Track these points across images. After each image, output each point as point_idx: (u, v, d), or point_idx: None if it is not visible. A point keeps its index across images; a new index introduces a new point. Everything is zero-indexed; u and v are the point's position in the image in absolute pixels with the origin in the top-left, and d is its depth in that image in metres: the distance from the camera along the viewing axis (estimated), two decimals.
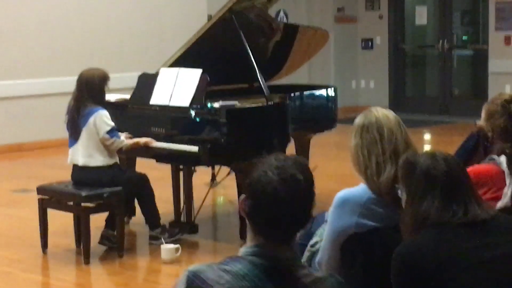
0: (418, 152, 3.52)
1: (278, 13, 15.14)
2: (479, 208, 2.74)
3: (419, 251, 2.68)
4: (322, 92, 7.69)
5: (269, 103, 6.61)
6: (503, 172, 3.75)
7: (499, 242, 2.72)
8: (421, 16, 15.00)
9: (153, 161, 6.84)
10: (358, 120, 3.55)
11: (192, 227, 6.79)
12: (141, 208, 6.78)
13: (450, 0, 14.62)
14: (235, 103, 6.49)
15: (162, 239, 6.32)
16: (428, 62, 15.60)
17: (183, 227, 6.75)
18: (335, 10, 15.20)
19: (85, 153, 6.29)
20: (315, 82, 15.24)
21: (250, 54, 6.79)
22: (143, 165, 7.20)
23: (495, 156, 3.82)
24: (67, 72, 10.00)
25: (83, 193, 6.10)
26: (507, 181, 3.74)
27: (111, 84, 6.48)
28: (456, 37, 14.79)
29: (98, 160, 6.28)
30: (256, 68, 6.75)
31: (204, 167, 6.89)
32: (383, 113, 3.53)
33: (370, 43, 15.31)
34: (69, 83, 6.94)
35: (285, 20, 15.13)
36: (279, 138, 6.55)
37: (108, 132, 6.25)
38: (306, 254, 3.80)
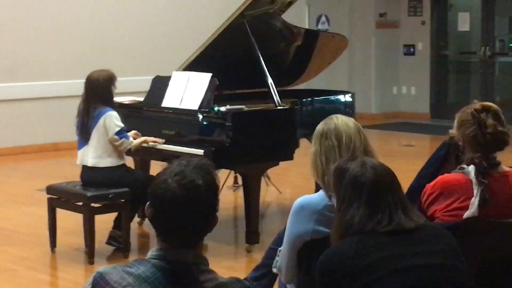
0: (377, 159, 3.53)
1: (319, 17, 15.15)
2: (406, 217, 2.73)
3: (338, 259, 2.68)
4: (338, 97, 7.68)
5: (278, 107, 6.62)
6: (471, 181, 3.71)
7: (420, 252, 2.70)
8: (464, 22, 14.84)
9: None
10: (318, 127, 3.57)
11: None
12: None
13: (494, 7, 14.45)
14: (243, 107, 6.51)
15: None
16: (470, 68, 15.43)
17: None
18: (377, 15, 15.13)
19: (95, 154, 6.37)
20: (355, 88, 15.20)
21: (261, 58, 6.80)
22: (157, 168, 7.27)
23: (464, 166, 3.78)
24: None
25: (89, 194, 6.19)
26: (475, 191, 3.69)
27: (125, 87, 6.57)
28: (499, 43, 14.61)
29: (107, 161, 6.37)
30: (266, 73, 6.77)
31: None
32: (342, 120, 3.53)
33: (412, 49, 15.20)
34: None
35: (327, 25, 15.15)
36: (287, 142, 6.56)
37: (117, 133, 6.33)
38: (276, 258, 3.81)
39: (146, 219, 6.97)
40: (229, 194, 8.55)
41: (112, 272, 2.34)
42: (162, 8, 12.38)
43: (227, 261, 6.35)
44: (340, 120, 3.53)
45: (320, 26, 15.15)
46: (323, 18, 15.20)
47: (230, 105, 6.64)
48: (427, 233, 2.77)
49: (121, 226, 6.43)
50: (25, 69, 11.24)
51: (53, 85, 11.34)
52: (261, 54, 7.24)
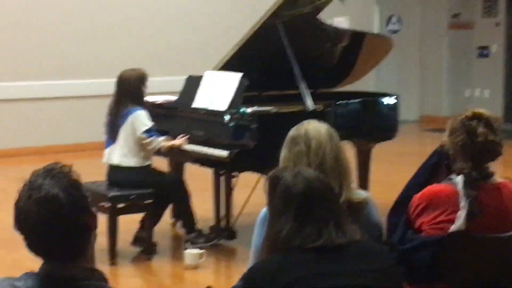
0: (348, 169, 3.34)
1: (390, 18, 14.85)
2: (338, 232, 2.53)
3: (260, 276, 2.50)
4: (381, 100, 7.44)
5: (309, 109, 6.44)
6: (459, 193, 3.48)
7: (346, 271, 2.50)
8: None
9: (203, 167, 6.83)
10: (290, 132, 3.41)
11: (230, 233, 6.69)
12: (176, 211, 6.79)
13: None
14: (270, 108, 6.36)
15: (188, 244, 6.26)
16: None
17: (221, 233, 6.67)
18: (449, 16, 14.72)
19: (121, 153, 6.33)
20: (426, 90, 14.88)
21: (294, 59, 6.63)
22: (192, 171, 7.24)
23: (453, 176, 3.55)
24: None
25: (111, 194, 6.13)
26: (461, 203, 3.46)
27: (157, 87, 6.50)
28: None
29: (132, 161, 6.31)
30: (298, 74, 6.60)
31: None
32: (314, 126, 3.36)
33: (485, 51, 14.74)
34: None
35: (398, 26, 14.84)
36: None
37: (146, 132, 6.26)
38: None
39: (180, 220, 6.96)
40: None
41: (0, 285, 2.22)
42: (196, 8, 12.32)
43: None
44: (311, 126, 3.36)
45: (390, 27, 14.86)
46: (394, 19, 14.89)
47: (261, 106, 6.49)
48: (359, 250, 2.56)
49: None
50: (72, 68, 11.35)
51: (90, 84, 11.46)
52: (303, 55, 7.10)
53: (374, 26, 14.33)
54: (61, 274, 2.20)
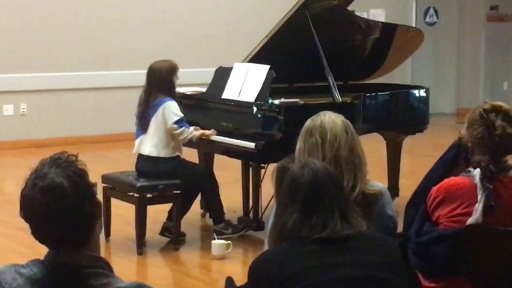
0: (364, 160, 3.34)
1: (427, 10, 14.75)
2: (344, 224, 2.54)
3: (265, 266, 2.52)
4: (412, 93, 7.42)
5: (336, 101, 6.44)
6: (476, 186, 3.46)
7: (350, 262, 2.50)
8: None
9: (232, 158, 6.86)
10: (306, 123, 3.41)
11: (258, 224, 6.71)
12: (205, 202, 6.83)
13: None
14: (297, 100, 6.36)
15: (214, 235, 6.30)
16: None
17: (249, 223, 6.70)
18: (488, 8, 14.58)
19: (151, 143, 6.38)
20: (463, 83, 14.76)
21: (322, 52, 6.63)
22: (222, 162, 7.27)
23: (471, 169, 3.53)
24: None
25: (139, 184, 6.18)
26: (479, 196, 3.44)
27: (187, 79, 6.55)
28: None
29: (162, 151, 6.35)
30: (326, 66, 6.59)
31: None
32: (330, 118, 3.36)
33: None
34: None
35: (435, 18, 14.74)
36: None
37: (177, 122, 6.30)
38: None
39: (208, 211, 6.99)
40: None
41: (6, 272, 2.27)
42: (227, 1, 12.34)
43: None
44: (327, 117, 3.35)
45: (428, 19, 14.74)
46: (431, 11, 14.78)
47: (290, 98, 6.49)
48: (364, 242, 2.56)
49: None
50: (106, 59, 11.49)
51: (123, 75, 11.55)
52: (334, 48, 7.10)
53: (411, 18, 14.22)
54: (66, 262, 2.23)
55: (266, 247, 3.29)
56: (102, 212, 6.16)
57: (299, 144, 3.36)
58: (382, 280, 2.52)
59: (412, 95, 7.38)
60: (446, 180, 3.58)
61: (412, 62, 13.61)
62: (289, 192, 2.60)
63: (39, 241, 2.25)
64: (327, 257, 2.50)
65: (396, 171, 7.53)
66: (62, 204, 2.18)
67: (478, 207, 3.44)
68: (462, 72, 14.89)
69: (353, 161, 3.28)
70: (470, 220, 3.45)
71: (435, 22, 14.79)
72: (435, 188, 3.58)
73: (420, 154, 10.45)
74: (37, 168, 2.24)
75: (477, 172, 3.49)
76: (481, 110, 3.55)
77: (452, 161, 3.75)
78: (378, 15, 13.08)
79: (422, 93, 7.41)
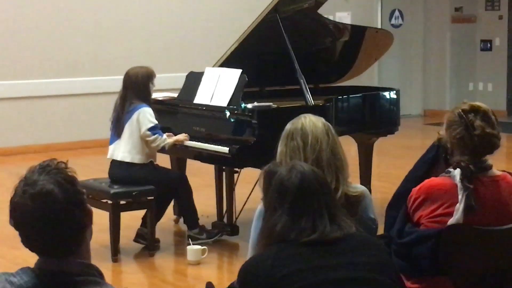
0: (345, 162, 3.35)
1: (393, 12, 14.84)
2: (333, 226, 2.54)
3: (256, 269, 2.51)
4: (382, 94, 7.44)
5: (309, 104, 6.45)
6: (457, 186, 3.48)
7: (341, 264, 2.51)
8: None
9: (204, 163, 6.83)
10: (286, 126, 3.40)
11: (233, 229, 6.70)
12: (179, 207, 6.81)
13: None
14: (270, 104, 6.36)
15: (190, 240, 6.27)
16: None
17: (223, 228, 6.68)
18: (452, 9, 14.70)
19: (125, 149, 6.34)
20: (429, 84, 14.86)
21: (293, 55, 6.63)
22: (194, 167, 7.24)
23: (451, 169, 3.55)
24: None
25: (112, 191, 6.14)
26: (459, 197, 3.46)
27: (157, 84, 6.52)
28: None
29: (136, 157, 6.32)
30: (298, 69, 6.60)
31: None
32: (311, 121, 3.36)
33: (489, 45, 14.72)
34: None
35: (400, 20, 14.83)
36: None
37: (150, 129, 6.27)
38: None
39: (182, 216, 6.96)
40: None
41: None
42: (197, 6, 12.31)
43: None
44: (308, 120, 3.35)
45: (393, 21, 14.84)
46: (397, 13, 14.87)
47: (262, 102, 6.49)
48: (354, 243, 2.57)
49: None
50: (74, 66, 11.40)
51: (91, 81, 11.47)
52: (304, 51, 7.11)
53: (377, 21, 14.31)
54: (57, 269, 2.20)
55: (249, 252, 3.29)
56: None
57: (280, 148, 3.35)
58: (374, 281, 2.52)
59: (383, 97, 7.41)
60: (426, 181, 3.59)
61: (379, 64, 13.67)
62: (277, 195, 2.60)
63: (30, 249, 2.23)
64: (318, 260, 2.50)
65: (368, 173, 7.55)
66: (52, 210, 2.15)
67: (459, 207, 3.46)
68: (428, 73, 15.00)
69: (335, 164, 3.29)
70: (451, 221, 3.47)
71: (400, 24, 14.88)
72: (415, 189, 3.59)
73: (389, 155, 10.53)
74: (27, 175, 2.21)
75: (457, 172, 3.50)
76: (460, 110, 3.57)
77: (432, 161, 3.76)
78: (344, 18, 13.11)
79: (393, 95, 7.43)
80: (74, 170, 2.27)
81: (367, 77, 11.63)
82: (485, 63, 14.79)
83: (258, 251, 2.66)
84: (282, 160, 3.29)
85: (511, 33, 14.51)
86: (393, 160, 10.29)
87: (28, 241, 2.21)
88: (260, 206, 3.30)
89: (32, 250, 2.22)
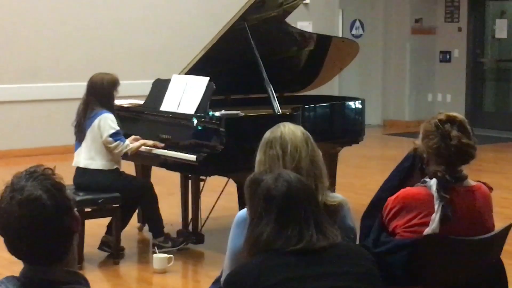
0: (324, 172, 3.34)
1: (353, 22, 14.92)
2: (319, 235, 2.52)
3: (241, 280, 2.49)
4: (347, 104, 7.46)
5: (277, 113, 6.44)
6: (433, 196, 3.49)
7: (327, 273, 2.49)
8: (501, 29, 14.44)
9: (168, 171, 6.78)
10: (265, 135, 3.38)
11: (198, 237, 6.66)
12: (144, 215, 6.75)
13: None
14: (238, 112, 6.34)
15: (156, 249, 6.22)
16: (508, 76, 14.99)
17: (188, 237, 6.64)
18: (412, 21, 14.81)
19: (87, 155, 6.27)
20: (389, 94, 14.96)
21: (261, 63, 6.63)
22: (158, 175, 7.18)
23: (427, 179, 3.56)
24: None
25: (78, 198, 6.06)
26: (436, 206, 3.47)
27: (127, 90, 6.47)
28: None
29: (99, 163, 6.25)
30: (265, 78, 6.59)
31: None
32: (289, 129, 3.34)
33: (448, 56, 14.86)
34: None
35: (361, 30, 14.91)
36: None
37: (112, 135, 6.20)
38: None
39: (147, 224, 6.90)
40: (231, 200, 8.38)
41: None
42: (160, 13, 12.23)
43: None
44: (287, 129, 3.34)
45: (354, 32, 14.91)
46: (357, 23, 14.95)
47: (229, 110, 6.47)
48: (340, 253, 2.56)
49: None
50: (34, 71, 11.26)
51: (52, 87, 11.36)
52: (271, 59, 7.10)
53: (338, 31, 14.36)
54: (43, 278, 2.16)
55: (226, 259, 3.26)
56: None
57: (259, 156, 3.32)
58: None
59: (349, 107, 7.43)
60: (402, 190, 3.60)
61: (339, 74, 13.70)
62: (264, 204, 2.58)
63: (16, 256, 2.18)
64: (304, 269, 2.48)
65: (332, 182, 7.52)
66: (41, 217, 2.11)
67: (435, 217, 3.47)
68: (387, 83, 15.09)
69: (314, 173, 3.28)
70: (427, 230, 3.48)
71: (361, 35, 14.95)
72: (391, 198, 3.60)
73: (350, 165, 10.54)
74: (13, 181, 2.17)
75: (433, 182, 3.52)
76: (437, 120, 3.59)
77: (408, 171, 3.77)
78: (305, 27, 13.08)
79: (358, 104, 7.46)
80: (61, 176, 2.23)
81: (328, 86, 11.66)
82: (444, 74, 14.92)
83: (242, 260, 2.63)
84: (261, 169, 3.25)
85: (469, 45, 14.66)
86: (353, 170, 10.32)
87: (15, 248, 2.16)
88: (239, 214, 3.28)
89: (18, 257, 2.18)
